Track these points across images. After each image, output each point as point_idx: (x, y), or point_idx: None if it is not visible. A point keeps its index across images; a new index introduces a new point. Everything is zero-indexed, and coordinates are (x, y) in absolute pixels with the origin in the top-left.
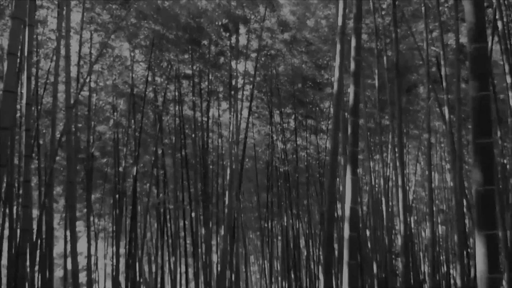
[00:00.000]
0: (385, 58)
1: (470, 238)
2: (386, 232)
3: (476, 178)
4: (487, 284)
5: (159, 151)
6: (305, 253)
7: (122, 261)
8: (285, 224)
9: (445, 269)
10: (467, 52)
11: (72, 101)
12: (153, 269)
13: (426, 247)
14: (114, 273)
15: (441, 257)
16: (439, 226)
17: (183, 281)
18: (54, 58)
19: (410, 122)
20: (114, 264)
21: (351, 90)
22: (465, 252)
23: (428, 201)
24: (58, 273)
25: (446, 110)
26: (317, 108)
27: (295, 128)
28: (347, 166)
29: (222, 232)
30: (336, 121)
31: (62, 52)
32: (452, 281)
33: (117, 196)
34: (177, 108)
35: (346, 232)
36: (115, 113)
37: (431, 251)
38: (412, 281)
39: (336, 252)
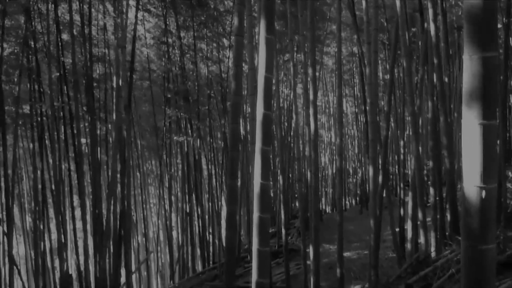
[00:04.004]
0: None
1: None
2: (293, 140)
3: None
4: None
5: (32, 58)
6: (207, 174)
7: None
8: (186, 145)
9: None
10: None
11: None
12: (30, 190)
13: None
14: None
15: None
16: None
17: (67, 203)
18: None
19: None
20: None
21: None
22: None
23: (338, 123)
24: None
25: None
26: (218, 15)
27: (194, 39)
28: (260, 24)
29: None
30: None
31: None
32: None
33: None
34: (50, 8)
35: (260, 110)
36: None
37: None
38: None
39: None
